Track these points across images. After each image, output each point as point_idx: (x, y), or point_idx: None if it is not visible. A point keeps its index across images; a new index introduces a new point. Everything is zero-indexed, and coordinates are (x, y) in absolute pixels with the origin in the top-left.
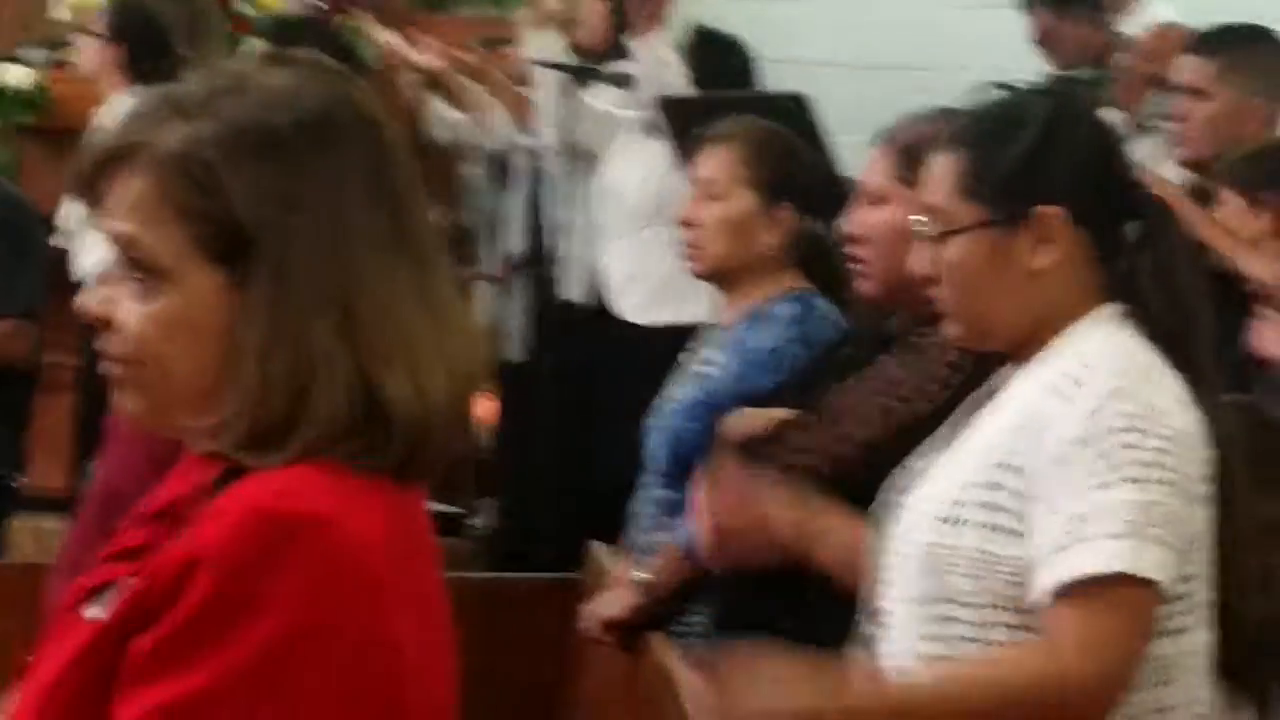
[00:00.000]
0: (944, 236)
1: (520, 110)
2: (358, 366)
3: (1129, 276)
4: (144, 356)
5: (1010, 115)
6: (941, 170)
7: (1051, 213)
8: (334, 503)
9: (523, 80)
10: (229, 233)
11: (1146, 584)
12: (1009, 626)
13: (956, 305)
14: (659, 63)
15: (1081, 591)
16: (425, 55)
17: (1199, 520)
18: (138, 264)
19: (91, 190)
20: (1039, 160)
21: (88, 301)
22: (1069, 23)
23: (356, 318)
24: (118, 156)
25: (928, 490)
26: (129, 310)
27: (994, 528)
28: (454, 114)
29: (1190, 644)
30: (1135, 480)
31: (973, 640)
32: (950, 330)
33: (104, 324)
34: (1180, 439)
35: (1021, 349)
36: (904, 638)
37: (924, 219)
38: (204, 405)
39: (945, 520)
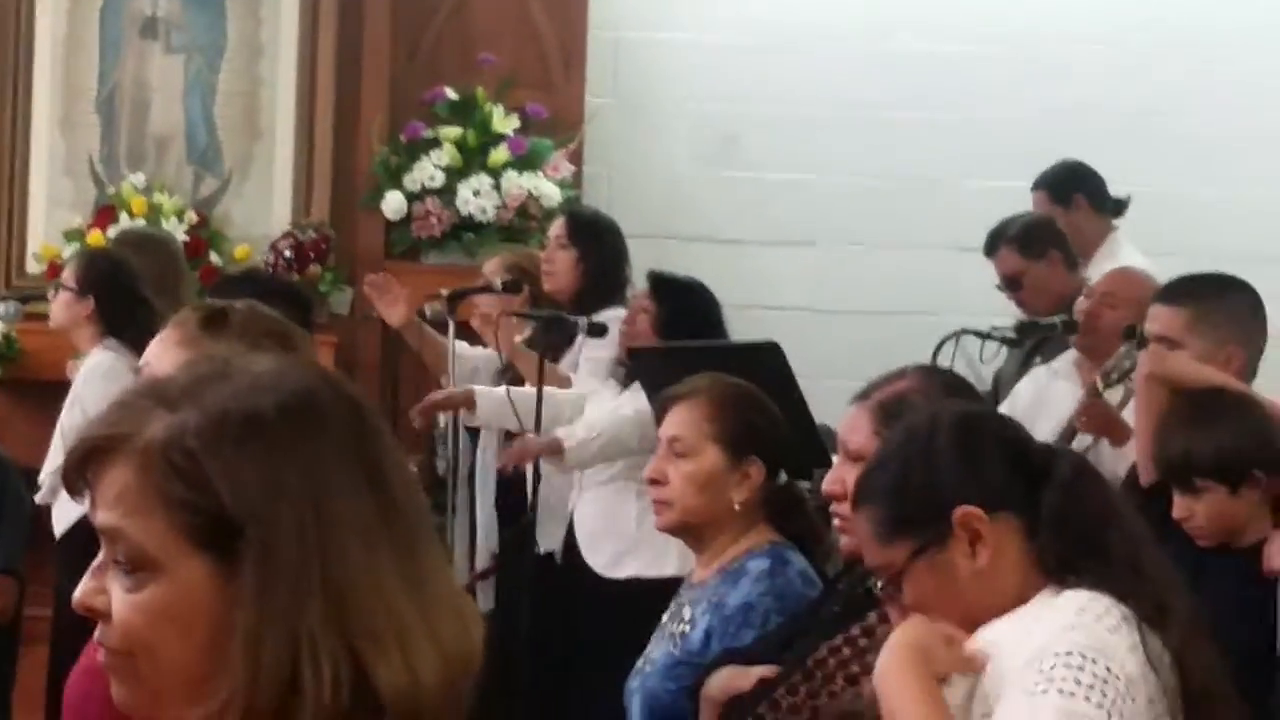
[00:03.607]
0: (892, 584)
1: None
2: (348, 650)
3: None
4: (133, 646)
5: (903, 448)
6: (862, 530)
7: (969, 513)
8: None
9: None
10: (215, 521)
11: None
12: None
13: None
14: None
15: None
16: (393, 309)
17: None
18: (125, 555)
19: (79, 482)
20: (937, 477)
21: (78, 595)
22: (1038, 266)
23: (345, 601)
24: (103, 449)
25: None
26: (119, 600)
27: None
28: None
29: None
30: (1066, 693)
31: None
32: None
33: (96, 615)
34: (1126, 682)
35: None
36: None
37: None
38: (195, 694)
39: None
